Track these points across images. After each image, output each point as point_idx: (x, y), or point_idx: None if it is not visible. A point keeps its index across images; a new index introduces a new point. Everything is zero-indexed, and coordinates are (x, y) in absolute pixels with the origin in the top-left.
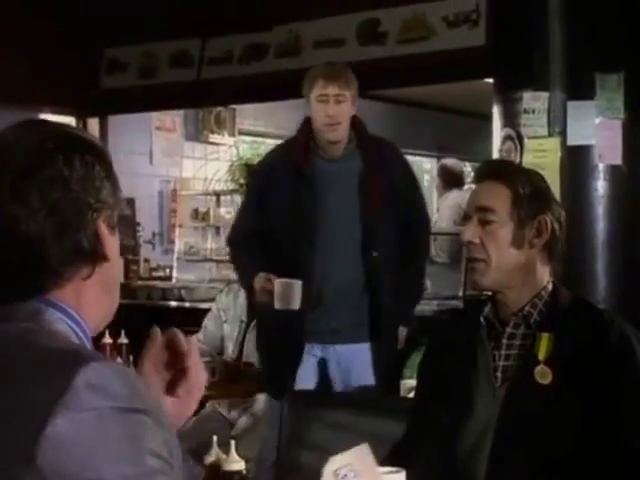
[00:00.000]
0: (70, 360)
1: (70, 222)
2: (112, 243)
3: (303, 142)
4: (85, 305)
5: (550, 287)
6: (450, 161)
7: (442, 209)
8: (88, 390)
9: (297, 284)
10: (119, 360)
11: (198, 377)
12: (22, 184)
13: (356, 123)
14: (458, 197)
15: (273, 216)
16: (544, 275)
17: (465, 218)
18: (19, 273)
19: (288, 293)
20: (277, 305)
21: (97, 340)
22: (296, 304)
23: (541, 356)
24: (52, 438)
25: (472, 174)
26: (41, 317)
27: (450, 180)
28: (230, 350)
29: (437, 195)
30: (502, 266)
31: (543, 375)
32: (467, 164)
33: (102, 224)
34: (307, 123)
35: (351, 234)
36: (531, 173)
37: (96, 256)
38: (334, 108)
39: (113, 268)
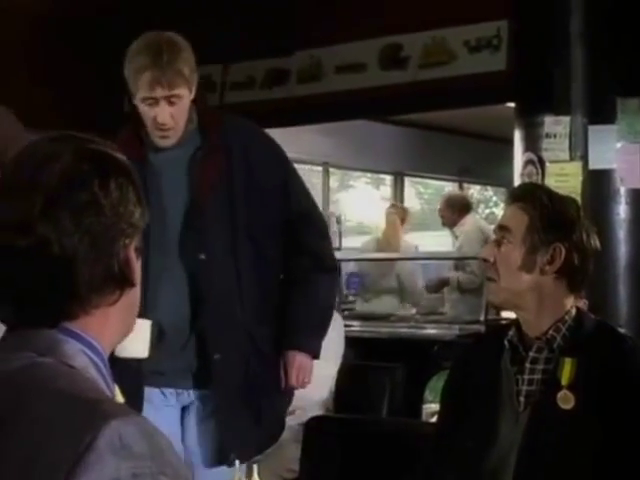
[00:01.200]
0: (92, 416)
1: (103, 248)
2: (137, 267)
3: (133, 133)
4: (107, 330)
5: (574, 312)
6: (451, 192)
7: (462, 236)
8: (110, 452)
9: (144, 324)
10: None
11: None
12: (55, 205)
13: (196, 100)
14: (476, 221)
15: None
16: (566, 300)
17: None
18: (46, 297)
19: (132, 337)
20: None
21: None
22: (143, 351)
23: (564, 381)
24: None
25: (494, 198)
26: (60, 350)
27: (461, 208)
28: None
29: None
30: (511, 287)
31: (566, 400)
32: (489, 188)
33: (132, 249)
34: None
35: (183, 239)
36: (558, 200)
37: (125, 282)
38: (166, 111)
39: (136, 293)
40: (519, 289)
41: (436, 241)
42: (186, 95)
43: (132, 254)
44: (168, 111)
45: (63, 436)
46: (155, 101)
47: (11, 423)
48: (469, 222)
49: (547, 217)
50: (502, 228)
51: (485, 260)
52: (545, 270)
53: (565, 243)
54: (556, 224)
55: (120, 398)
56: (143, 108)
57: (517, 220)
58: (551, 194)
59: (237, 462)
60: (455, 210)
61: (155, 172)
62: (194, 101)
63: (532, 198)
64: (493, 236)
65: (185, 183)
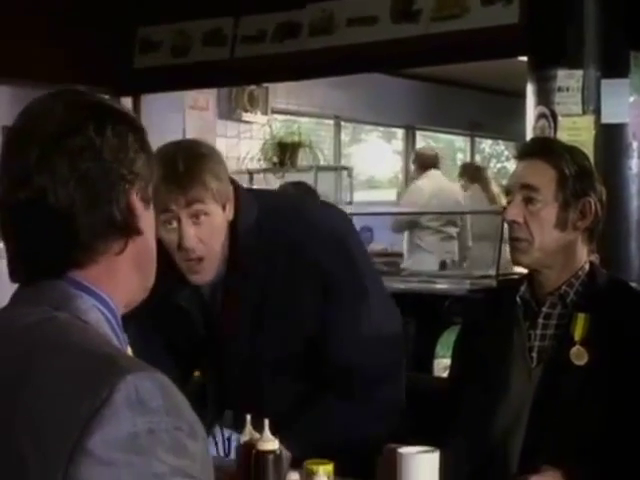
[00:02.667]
0: (108, 370)
1: (101, 193)
2: (146, 217)
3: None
4: (118, 283)
5: (587, 267)
6: (420, 148)
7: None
8: (127, 407)
9: None
10: None
11: None
12: (50, 153)
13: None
14: (429, 179)
15: None
16: (583, 255)
17: (507, 194)
18: (50, 247)
19: None
20: None
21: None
22: None
23: (577, 337)
24: (87, 455)
25: (505, 152)
26: (73, 304)
27: (420, 163)
28: None
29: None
30: (545, 247)
31: (579, 356)
32: (500, 142)
33: (135, 196)
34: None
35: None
36: (576, 152)
37: (129, 229)
38: (190, 232)
39: (147, 243)
40: (553, 248)
41: None
42: (215, 212)
43: (136, 202)
44: (193, 232)
45: (79, 390)
46: (174, 217)
47: (26, 377)
48: (422, 179)
49: (575, 170)
50: (527, 187)
51: (513, 222)
52: (577, 226)
53: (592, 195)
54: (582, 177)
55: (131, 354)
56: (164, 235)
57: (544, 176)
58: (567, 146)
59: (248, 416)
60: (416, 166)
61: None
62: (233, 225)
63: (555, 152)
64: (503, 199)
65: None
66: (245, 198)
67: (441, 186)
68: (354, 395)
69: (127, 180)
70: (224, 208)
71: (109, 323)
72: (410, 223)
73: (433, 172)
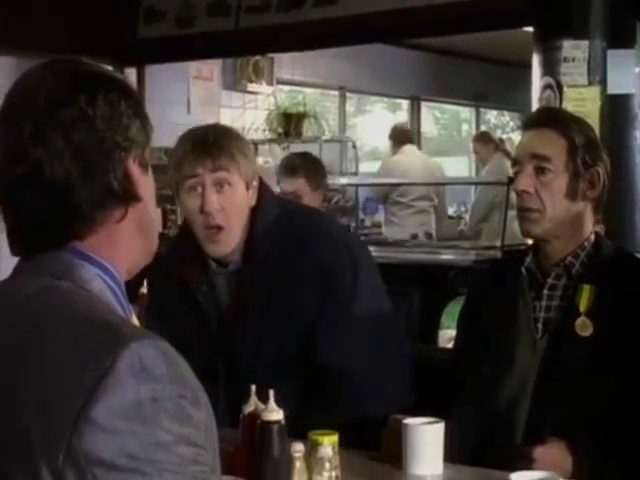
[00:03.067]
0: (111, 339)
1: (97, 163)
2: (145, 182)
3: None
4: (120, 251)
5: (593, 238)
6: (399, 123)
7: (395, 161)
8: (131, 375)
9: None
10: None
11: None
12: (44, 127)
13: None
14: (404, 154)
15: None
16: (589, 226)
17: (515, 164)
18: (50, 220)
19: None
20: None
21: (134, 290)
22: None
23: (582, 308)
24: (91, 424)
25: (510, 123)
26: (75, 274)
27: (395, 139)
28: None
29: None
30: (555, 217)
31: (584, 327)
32: (506, 113)
33: (132, 163)
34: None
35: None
36: (581, 122)
37: (128, 197)
38: (212, 197)
39: (147, 208)
40: (563, 218)
41: (453, 166)
42: (239, 186)
43: (134, 168)
44: (215, 198)
45: (82, 359)
46: (199, 182)
47: (30, 347)
48: (398, 154)
49: (584, 140)
50: (538, 156)
51: (524, 192)
52: (587, 196)
53: (601, 166)
54: (591, 147)
55: (136, 322)
56: (187, 200)
57: (555, 146)
58: (574, 117)
59: (253, 387)
60: (392, 141)
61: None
62: (252, 218)
63: (564, 122)
64: (510, 168)
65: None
66: (268, 195)
67: (420, 161)
68: (341, 396)
69: (122, 148)
70: (247, 188)
71: (112, 292)
72: (383, 197)
73: (409, 147)
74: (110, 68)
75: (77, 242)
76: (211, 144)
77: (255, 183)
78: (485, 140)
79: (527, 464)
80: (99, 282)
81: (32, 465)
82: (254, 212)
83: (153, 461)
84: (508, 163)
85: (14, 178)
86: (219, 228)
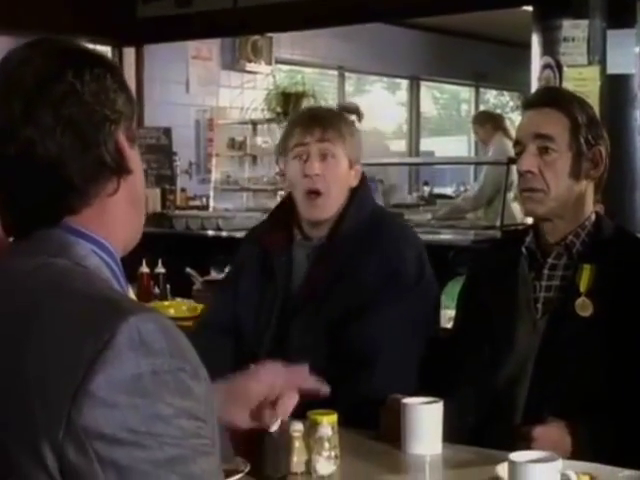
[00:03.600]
0: (110, 313)
1: (88, 137)
2: (133, 156)
3: (282, 226)
4: (114, 226)
5: (593, 217)
6: (346, 102)
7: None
8: (130, 349)
9: None
10: (156, 290)
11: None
12: (33, 105)
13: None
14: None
15: None
16: (590, 205)
17: (517, 144)
18: (44, 197)
19: None
20: None
21: (134, 269)
22: None
23: (582, 288)
24: (90, 397)
25: (510, 103)
26: (71, 251)
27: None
28: None
29: None
30: (559, 197)
31: (584, 307)
32: (505, 93)
33: (122, 136)
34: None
35: None
36: (582, 101)
37: (120, 169)
38: (315, 163)
39: (136, 182)
40: (567, 197)
41: (452, 146)
42: (342, 160)
43: (123, 141)
44: (317, 165)
45: (81, 334)
46: (305, 149)
47: (30, 323)
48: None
49: (586, 119)
50: (542, 136)
51: (527, 172)
52: (590, 175)
53: (603, 144)
54: (593, 125)
55: (134, 297)
56: (292, 166)
57: (558, 125)
58: (575, 96)
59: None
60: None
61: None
62: (350, 201)
63: (566, 101)
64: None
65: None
66: (367, 191)
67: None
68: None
69: (112, 120)
70: (350, 166)
71: (109, 267)
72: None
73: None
74: (103, 47)
75: (71, 218)
76: (322, 117)
77: (358, 167)
78: (482, 121)
79: (526, 444)
80: (95, 258)
81: (33, 441)
82: (351, 200)
83: (154, 434)
84: (510, 143)
85: (7, 158)
86: (318, 193)
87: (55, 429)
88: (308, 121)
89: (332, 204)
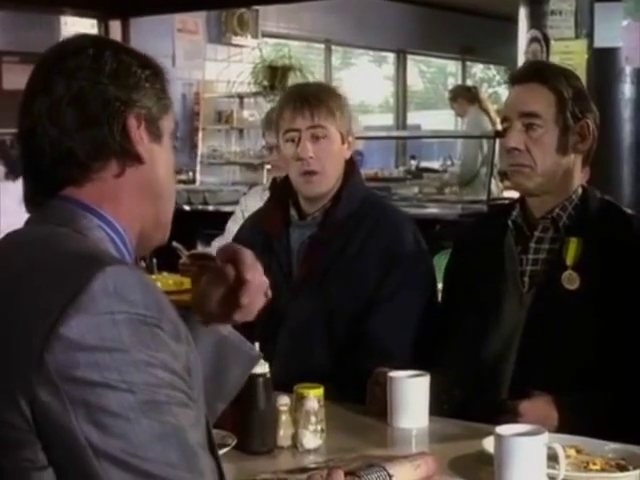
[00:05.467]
0: (88, 264)
1: (94, 113)
2: (154, 149)
3: (278, 206)
4: (123, 209)
5: (580, 191)
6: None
7: None
8: (104, 295)
9: None
10: (142, 264)
11: (258, 288)
12: (50, 74)
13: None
14: None
15: None
16: (577, 179)
17: (504, 120)
18: (48, 163)
19: None
20: None
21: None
22: None
23: (569, 261)
24: (63, 340)
25: (497, 77)
26: (77, 222)
27: None
28: None
29: None
30: (547, 172)
31: (570, 280)
32: (492, 67)
33: (134, 123)
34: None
35: None
36: (569, 73)
37: (125, 154)
38: (307, 146)
39: (154, 174)
40: (555, 172)
41: (439, 120)
42: (335, 137)
43: (135, 128)
44: (310, 147)
45: (60, 282)
46: (297, 134)
47: (20, 280)
48: None
49: (572, 92)
50: (528, 114)
51: (514, 149)
52: (577, 148)
53: (590, 117)
54: (579, 98)
55: None
56: (285, 148)
57: (544, 101)
58: (562, 69)
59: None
60: None
61: (289, 250)
62: (346, 172)
63: (551, 75)
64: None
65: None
66: (358, 174)
67: None
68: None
69: (123, 102)
70: (343, 140)
71: (113, 243)
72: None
73: None
74: (89, 20)
75: (74, 189)
76: (312, 96)
77: (351, 139)
78: (456, 96)
79: (513, 418)
80: (100, 232)
81: (9, 384)
82: (345, 182)
83: (126, 380)
84: (484, 117)
85: (24, 126)
86: (313, 173)
87: (29, 371)
88: (298, 103)
89: (328, 180)
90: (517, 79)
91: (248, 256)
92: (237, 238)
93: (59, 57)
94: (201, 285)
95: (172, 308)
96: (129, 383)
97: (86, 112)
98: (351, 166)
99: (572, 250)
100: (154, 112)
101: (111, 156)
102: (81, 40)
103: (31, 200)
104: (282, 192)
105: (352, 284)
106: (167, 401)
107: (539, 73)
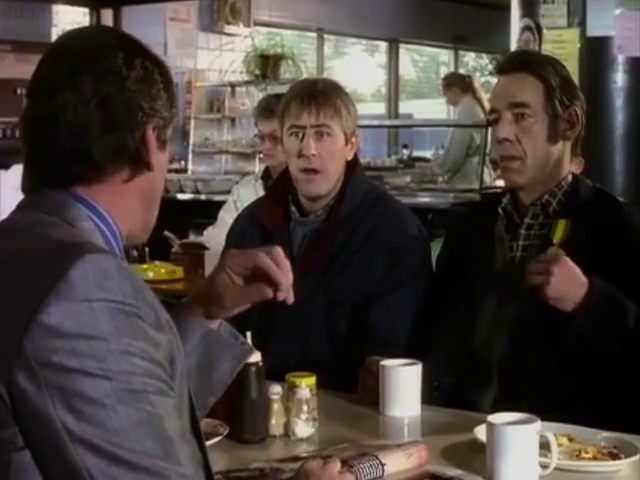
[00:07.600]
0: (70, 252)
1: (119, 119)
2: (160, 157)
3: (278, 201)
4: (120, 208)
5: (570, 178)
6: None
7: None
8: (83, 282)
9: None
10: (135, 252)
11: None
12: (78, 72)
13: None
14: None
15: None
16: (567, 166)
17: (492, 112)
18: (61, 158)
19: None
20: None
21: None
22: None
23: (556, 239)
24: (42, 326)
25: (489, 66)
26: (66, 211)
27: None
28: None
29: None
30: (537, 162)
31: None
32: (484, 56)
33: (151, 132)
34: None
35: None
36: (555, 61)
37: (139, 161)
38: (311, 143)
39: (156, 181)
40: (545, 161)
41: (430, 109)
42: (339, 136)
43: (151, 137)
44: (313, 144)
45: (42, 269)
46: (301, 130)
47: (4, 265)
48: None
49: (560, 80)
50: (516, 105)
51: (505, 139)
52: (567, 136)
53: (578, 104)
54: (566, 86)
55: None
56: (288, 144)
57: (532, 91)
58: (548, 57)
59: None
60: None
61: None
62: (348, 172)
63: (538, 64)
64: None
65: None
66: (360, 170)
67: None
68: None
69: (145, 112)
70: (347, 141)
71: (103, 235)
72: None
73: None
74: (81, 9)
75: (80, 187)
76: (319, 92)
77: (354, 140)
78: (450, 84)
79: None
80: (89, 223)
81: None
82: (347, 181)
83: (103, 367)
84: (477, 106)
85: (40, 116)
86: (315, 171)
87: (8, 356)
88: (305, 99)
89: (329, 180)
90: (503, 69)
91: (269, 261)
92: (233, 230)
93: (89, 56)
94: (216, 284)
95: (153, 297)
96: (106, 370)
97: (111, 117)
98: (354, 165)
99: (560, 230)
100: (165, 119)
101: (125, 162)
102: (107, 39)
103: (29, 190)
104: (281, 187)
105: (355, 277)
106: (144, 389)
107: (525, 63)
